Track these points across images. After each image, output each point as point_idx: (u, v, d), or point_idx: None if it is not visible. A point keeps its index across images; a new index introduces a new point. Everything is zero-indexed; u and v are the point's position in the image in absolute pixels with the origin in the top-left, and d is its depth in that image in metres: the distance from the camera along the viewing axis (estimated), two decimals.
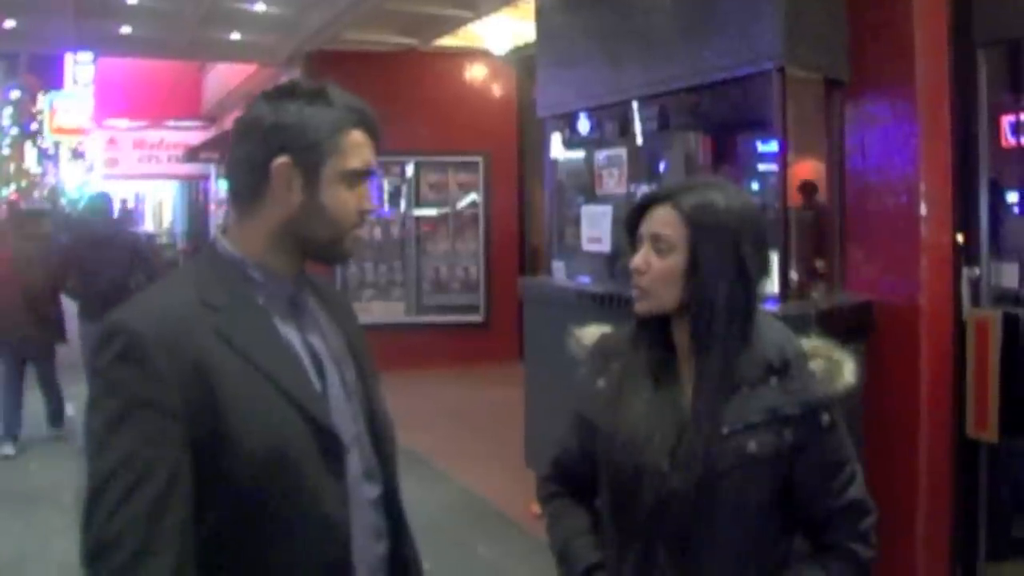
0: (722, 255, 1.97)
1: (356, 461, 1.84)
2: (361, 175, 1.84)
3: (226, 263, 1.82)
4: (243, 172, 1.82)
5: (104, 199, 9.21)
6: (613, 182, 6.28)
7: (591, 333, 2.30)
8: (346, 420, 1.83)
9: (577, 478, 2.23)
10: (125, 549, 1.53)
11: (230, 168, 1.86)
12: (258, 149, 1.79)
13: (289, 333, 1.81)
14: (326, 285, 2.05)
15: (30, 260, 8.49)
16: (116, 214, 10.90)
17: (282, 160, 1.77)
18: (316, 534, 1.73)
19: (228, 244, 1.84)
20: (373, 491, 1.87)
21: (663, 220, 2.01)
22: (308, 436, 1.72)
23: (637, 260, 2.03)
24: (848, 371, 2.01)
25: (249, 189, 1.81)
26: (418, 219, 12.15)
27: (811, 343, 2.05)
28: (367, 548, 1.84)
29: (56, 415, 8.88)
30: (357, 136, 1.83)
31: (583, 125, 6.73)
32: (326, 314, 1.94)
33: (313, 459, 1.73)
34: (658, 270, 2.00)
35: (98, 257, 8.37)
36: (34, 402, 8.64)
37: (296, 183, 1.78)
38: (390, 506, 1.91)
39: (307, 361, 1.81)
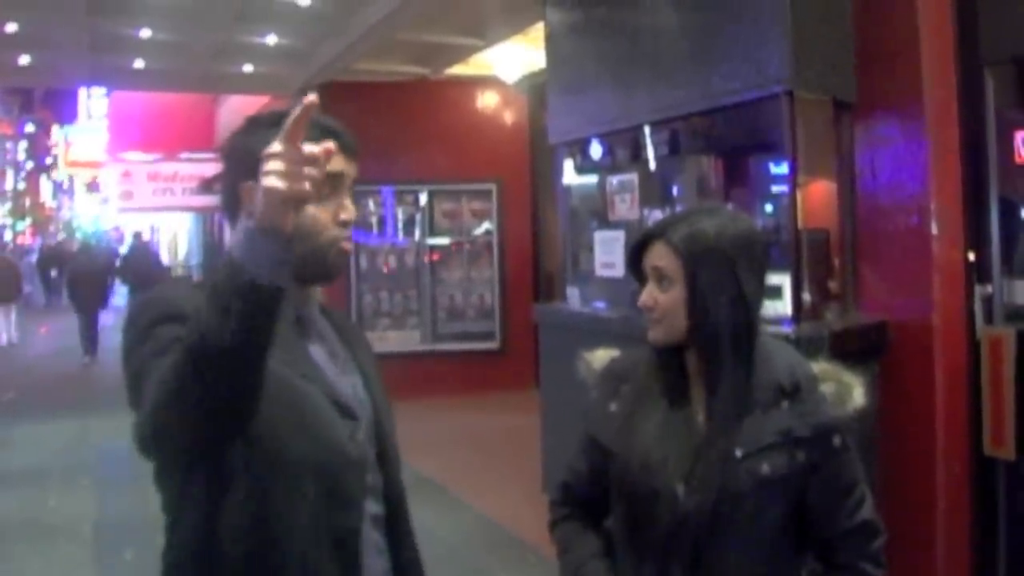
0: (719, 281, 2.00)
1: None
2: (328, 184, 1.79)
3: None
4: (226, 198, 1.89)
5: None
6: (625, 207, 6.31)
7: (600, 357, 2.33)
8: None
9: (587, 501, 2.24)
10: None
11: (221, 195, 1.93)
12: (231, 175, 1.87)
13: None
14: (340, 315, 2.10)
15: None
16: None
17: (248, 183, 1.77)
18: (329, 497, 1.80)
19: None
20: (375, 509, 1.92)
21: (659, 257, 2.06)
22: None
23: (644, 297, 2.09)
24: (858, 394, 2.05)
25: (233, 214, 1.86)
26: (432, 247, 12.16)
27: (820, 366, 2.09)
28: (370, 563, 1.89)
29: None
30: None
31: (595, 151, 6.75)
32: (338, 336, 2.00)
33: (347, 468, 1.83)
34: (663, 304, 2.05)
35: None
36: (51, 436, 8.69)
37: None
38: (391, 525, 1.97)
39: None
